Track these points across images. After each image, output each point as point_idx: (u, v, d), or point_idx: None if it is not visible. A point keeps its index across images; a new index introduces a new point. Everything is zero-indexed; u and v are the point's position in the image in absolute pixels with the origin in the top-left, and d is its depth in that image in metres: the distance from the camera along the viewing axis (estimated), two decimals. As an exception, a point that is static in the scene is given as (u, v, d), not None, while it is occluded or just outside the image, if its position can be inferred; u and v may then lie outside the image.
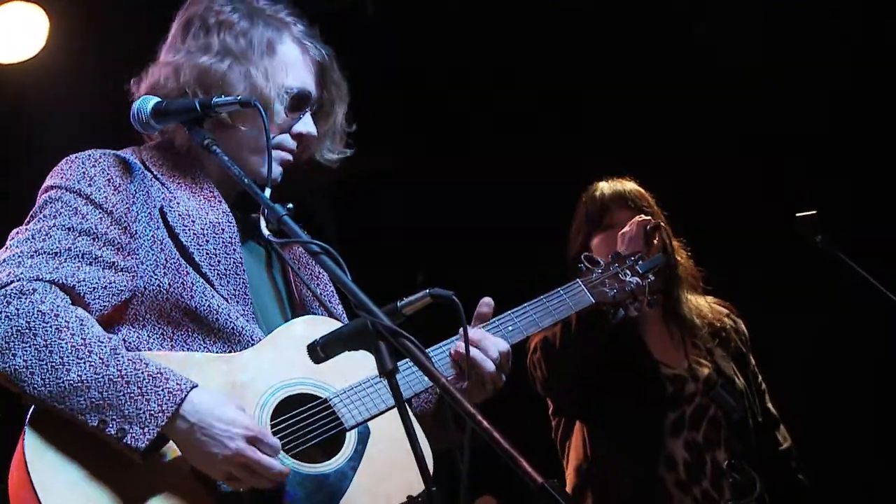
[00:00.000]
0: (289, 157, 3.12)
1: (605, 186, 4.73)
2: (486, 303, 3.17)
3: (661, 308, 4.61)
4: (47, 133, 3.32)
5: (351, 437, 2.88)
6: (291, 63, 3.08)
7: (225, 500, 2.70)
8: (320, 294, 3.18)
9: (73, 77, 3.15)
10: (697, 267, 4.76)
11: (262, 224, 2.72)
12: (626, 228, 4.39)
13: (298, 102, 3.08)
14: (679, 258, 4.63)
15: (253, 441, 2.66)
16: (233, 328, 2.87)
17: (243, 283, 2.95)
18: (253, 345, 2.88)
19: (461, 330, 2.87)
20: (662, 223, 4.40)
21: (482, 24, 6.83)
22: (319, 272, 3.26)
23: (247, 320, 2.91)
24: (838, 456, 6.37)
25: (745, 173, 6.64)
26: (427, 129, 7.14)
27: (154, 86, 3.03)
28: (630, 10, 6.66)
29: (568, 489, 4.45)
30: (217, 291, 2.88)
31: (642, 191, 4.73)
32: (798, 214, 4.60)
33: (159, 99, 2.93)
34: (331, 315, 3.13)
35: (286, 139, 3.10)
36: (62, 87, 3.15)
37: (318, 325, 3.00)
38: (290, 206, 2.71)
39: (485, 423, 2.32)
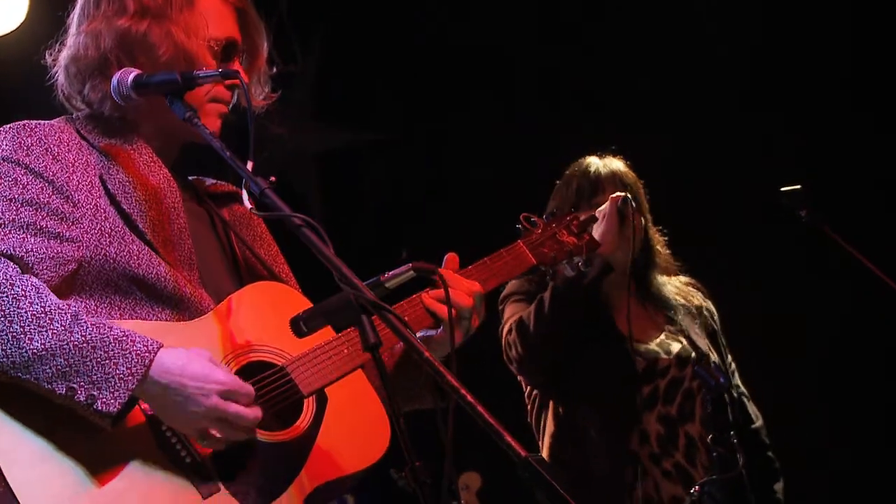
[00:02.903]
0: (225, 109, 3.05)
1: (599, 164, 4.73)
2: (451, 259, 3.21)
3: (633, 286, 4.63)
4: (29, 107, 3.27)
5: (309, 405, 2.86)
6: (212, 13, 3.00)
7: (190, 470, 2.68)
8: (264, 255, 3.15)
9: (54, 52, 3.08)
10: (674, 252, 4.80)
11: (245, 197, 2.68)
12: (602, 206, 4.48)
13: (228, 52, 3.01)
14: (656, 245, 4.71)
15: (227, 395, 2.64)
16: (181, 295, 2.83)
17: (189, 248, 2.91)
18: (202, 311, 2.85)
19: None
20: (629, 197, 4.47)
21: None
22: (262, 233, 3.22)
23: (194, 286, 2.87)
24: (821, 431, 6.42)
25: (728, 147, 6.66)
26: (415, 100, 7.13)
27: (75, 56, 2.96)
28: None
29: (543, 465, 4.45)
30: (163, 258, 2.84)
31: (631, 173, 4.75)
32: (783, 189, 4.60)
33: (139, 71, 2.86)
34: (275, 277, 3.11)
35: (220, 91, 3.01)
36: (42, 62, 3.09)
37: (269, 291, 2.99)
38: (272, 179, 2.67)
39: (469, 396, 2.32)
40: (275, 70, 3.22)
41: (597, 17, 6.91)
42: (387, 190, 7.40)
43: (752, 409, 4.68)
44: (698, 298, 4.79)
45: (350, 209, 7.27)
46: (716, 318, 4.80)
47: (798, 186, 4.55)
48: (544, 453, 4.55)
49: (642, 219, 4.61)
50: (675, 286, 4.75)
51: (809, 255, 4.98)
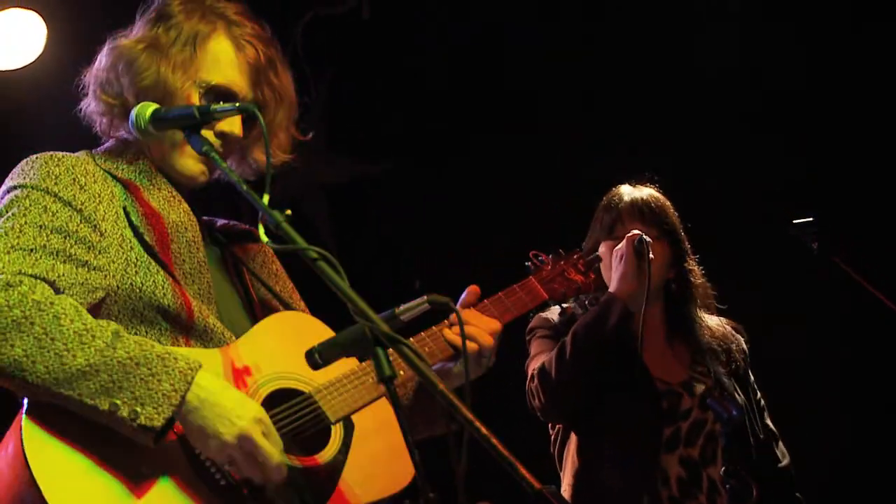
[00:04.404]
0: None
1: (623, 193, 4.62)
2: (473, 291, 3.28)
3: (664, 323, 4.63)
4: (44, 140, 3.31)
5: (337, 432, 2.92)
6: (219, 59, 3.04)
7: (222, 492, 2.73)
8: (280, 291, 3.21)
9: (71, 85, 3.13)
10: (710, 285, 4.72)
11: (261, 230, 2.71)
12: (618, 245, 4.42)
13: (218, 98, 3.02)
14: (692, 278, 4.62)
15: (261, 423, 2.69)
16: (204, 326, 2.88)
17: (207, 282, 2.97)
18: (224, 343, 2.90)
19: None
20: (647, 238, 4.39)
21: (479, 26, 6.82)
22: (277, 270, 3.28)
23: (215, 319, 2.92)
24: (821, 431, 6.44)
25: (728, 147, 6.68)
26: (424, 132, 7.11)
27: (92, 68, 3.08)
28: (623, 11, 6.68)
29: (564, 500, 4.43)
30: (185, 291, 2.89)
31: (662, 200, 4.65)
32: (794, 221, 4.58)
33: (157, 105, 2.91)
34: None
35: (209, 137, 3.01)
36: (59, 95, 3.14)
37: (293, 320, 3.06)
38: (289, 212, 2.68)
39: (483, 428, 2.36)
40: (308, 137, 3.27)
41: (597, 17, 6.91)
42: (401, 220, 7.35)
43: (779, 449, 4.60)
44: (731, 339, 4.69)
45: (357, 224, 7.26)
46: (746, 357, 4.69)
47: (810, 219, 4.53)
48: (567, 482, 4.52)
49: (673, 251, 4.53)
50: (708, 326, 4.65)
51: (809, 255, 4.97)
